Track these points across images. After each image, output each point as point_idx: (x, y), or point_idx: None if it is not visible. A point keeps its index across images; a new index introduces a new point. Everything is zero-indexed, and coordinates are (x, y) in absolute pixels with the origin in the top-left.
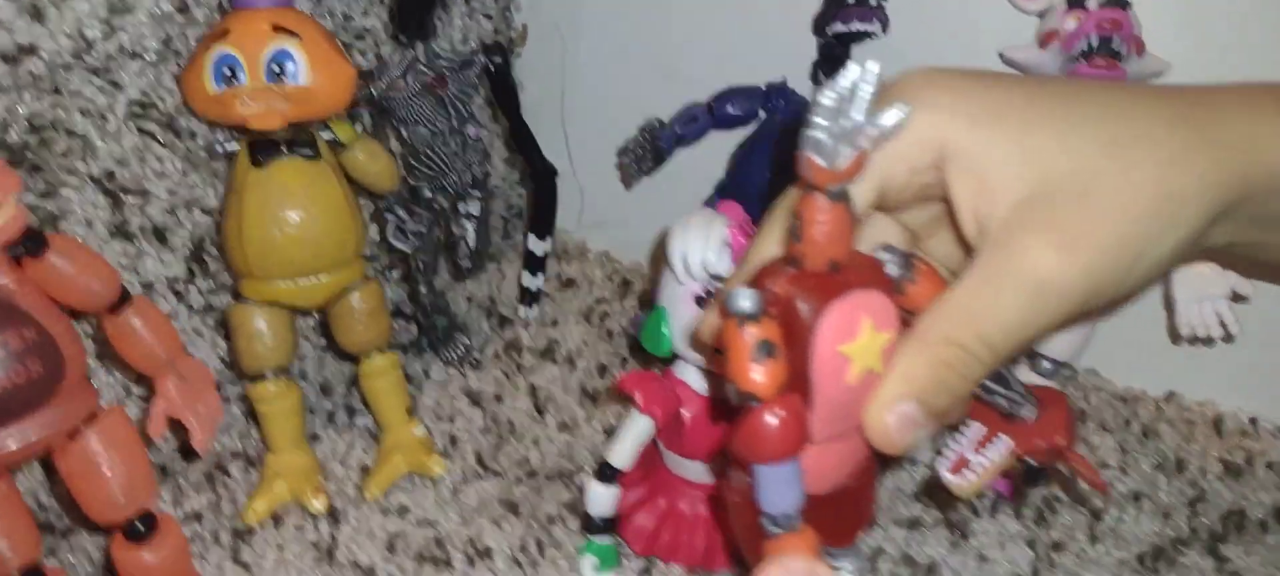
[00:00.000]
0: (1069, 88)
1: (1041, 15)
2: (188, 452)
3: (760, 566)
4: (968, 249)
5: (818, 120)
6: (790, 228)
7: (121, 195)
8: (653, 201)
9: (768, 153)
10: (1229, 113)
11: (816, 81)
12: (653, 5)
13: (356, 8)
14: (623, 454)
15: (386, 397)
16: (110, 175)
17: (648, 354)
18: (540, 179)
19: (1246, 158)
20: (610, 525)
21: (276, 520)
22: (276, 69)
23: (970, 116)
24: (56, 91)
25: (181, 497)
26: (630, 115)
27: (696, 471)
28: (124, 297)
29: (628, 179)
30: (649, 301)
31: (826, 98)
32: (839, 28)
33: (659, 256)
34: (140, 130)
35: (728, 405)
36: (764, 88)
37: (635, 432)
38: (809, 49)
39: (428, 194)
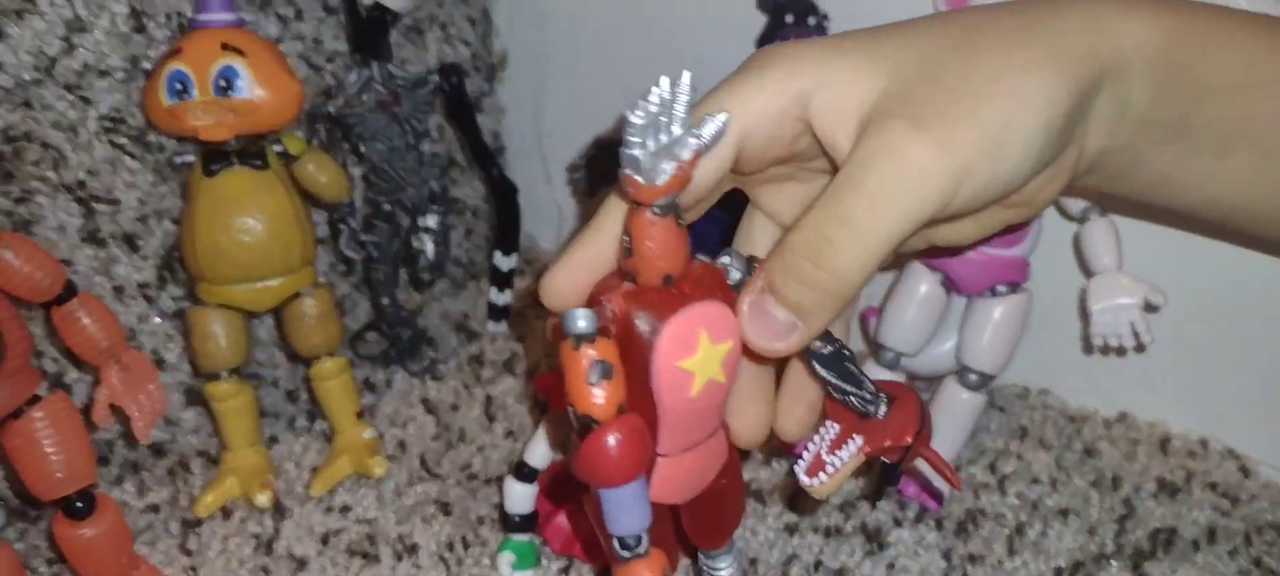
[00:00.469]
0: (913, 19)
1: None
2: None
3: None
4: None
5: (632, 138)
6: (622, 243)
7: (93, 203)
8: None
9: None
10: (1072, 6)
11: None
12: (623, 33)
13: (327, 32)
14: (538, 453)
15: (335, 399)
16: (82, 184)
17: None
18: (501, 196)
19: (1092, 37)
20: (529, 523)
21: (226, 513)
22: (223, 83)
23: (817, 57)
24: (28, 105)
25: (145, 490)
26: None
27: None
28: (70, 291)
29: (581, 195)
30: None
31: (637, 116)
32: None
33: None
34: (112, 143)
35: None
36: None
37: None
38: None
39: (387, 207)
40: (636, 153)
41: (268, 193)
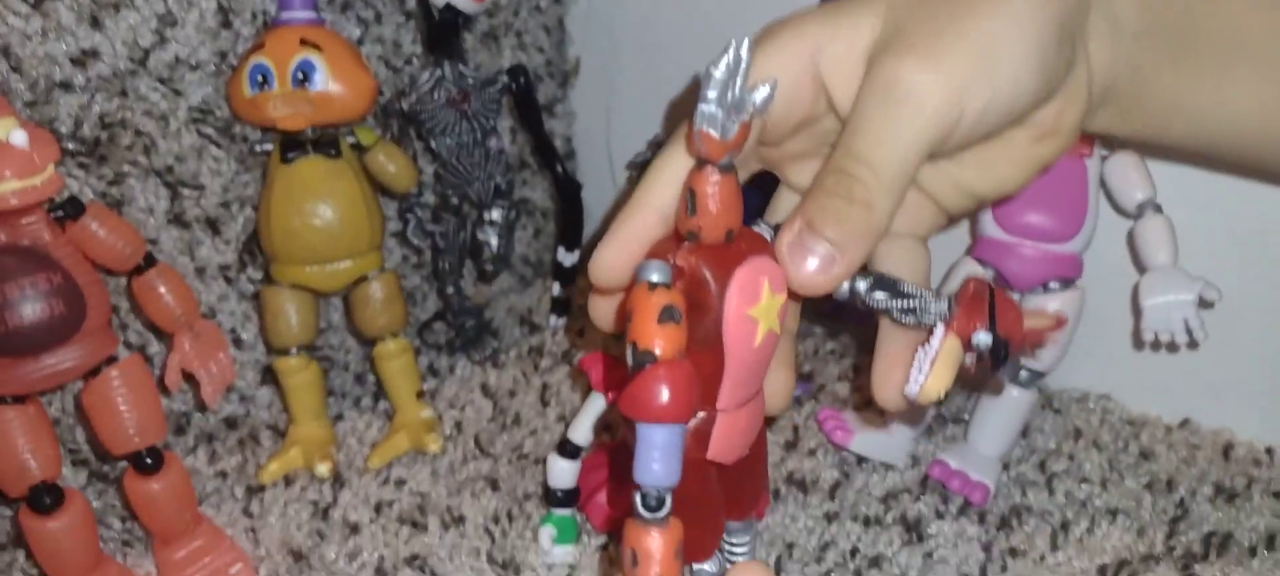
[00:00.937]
0: None
1: None
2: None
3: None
4: None
5: (710, 94)
6: (684, 203)
7: (179, 188)
8: None
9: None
10: None
11: None
12: (689, 39)
13: (406, 35)
14: (581, 430)
15: (397, 379)
16: (170, 169)
17: None
18: (565, 193)
19: None
20: (571, 498)
21: (288, 481)
22: (301, 76)
23: (820, 18)
24: (124, 94)
25: (216, 459)
26: None
27: None
28: (149, 262)
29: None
30: None
31: (718, 71)
32: None
33: None
34: (199, 133)
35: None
36: None
37: (593, 411)
38: None
39: (454, 200)
40: (714, 108)
41: (339, 180)
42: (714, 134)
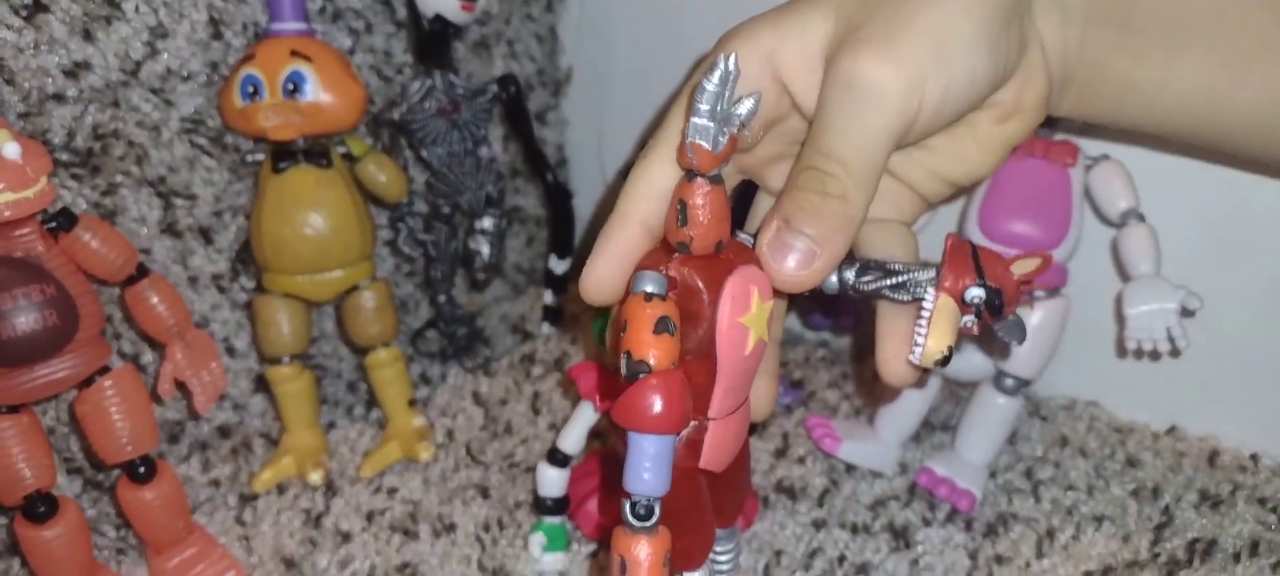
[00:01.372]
0: None
1: None
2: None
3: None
4: None
5: (702, 107)
6: (674, 215)
7: (172, 198)
8: None
9: None
10: None
11: None
12: (681, 48)
13: (397, 45)
14: (571, 439)
15: (389, 388)
16: (162, 179)
17: None
18: (556, 201)
19: None
20: (561, 507)
21: (281, 490)
22: (291, 87)
23: (772, 22)
24: (116, 105)
25: (209, 467)
26: None
27: None
28: (142, 272)
29: None
30: None
31: (711, 84)
32: None
33: None
34: (191, 143)
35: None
36: None
37: (582, 420)
38: None
39: (445, 209)
40: (706, 121)
41: (330, 190)
42: (706, 146)
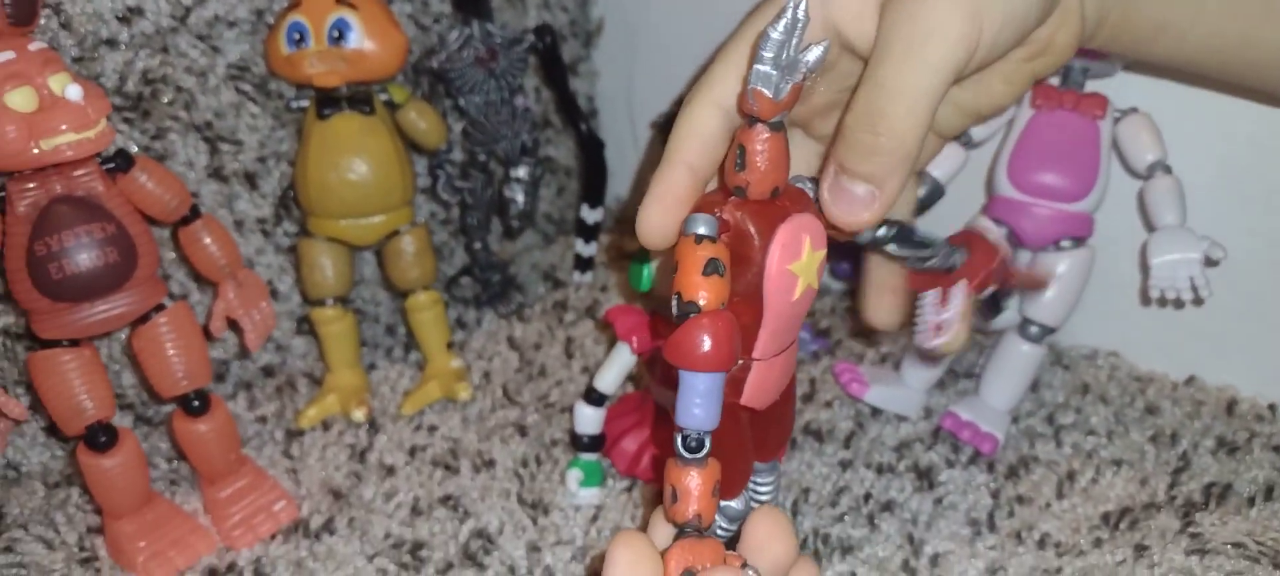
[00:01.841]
0: None
1: None
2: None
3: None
4: None
5: (767, 55)
6: (732, 160)
7: (218, 143)
8: None
9: None
10: None
11: None
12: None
13: None
14: (607, 379)
15: (428, 330)
16: (209, 125)
17: None
18: (588, 151)
19: None
20: (596, 444)
21: (326, 426)
22: (336, 34)
23: None
24: (165, 51)
25: (255, 405)
26: None
27: None
28: (195, 213)
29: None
30: None
31: (777, 32)
32: None
33: None
34: (237, 89)
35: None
36: None
37: (618, 360)
38: None
39: (481, 157)
40: (768, 68)
41: (373, 136)
42: (768, 93)
